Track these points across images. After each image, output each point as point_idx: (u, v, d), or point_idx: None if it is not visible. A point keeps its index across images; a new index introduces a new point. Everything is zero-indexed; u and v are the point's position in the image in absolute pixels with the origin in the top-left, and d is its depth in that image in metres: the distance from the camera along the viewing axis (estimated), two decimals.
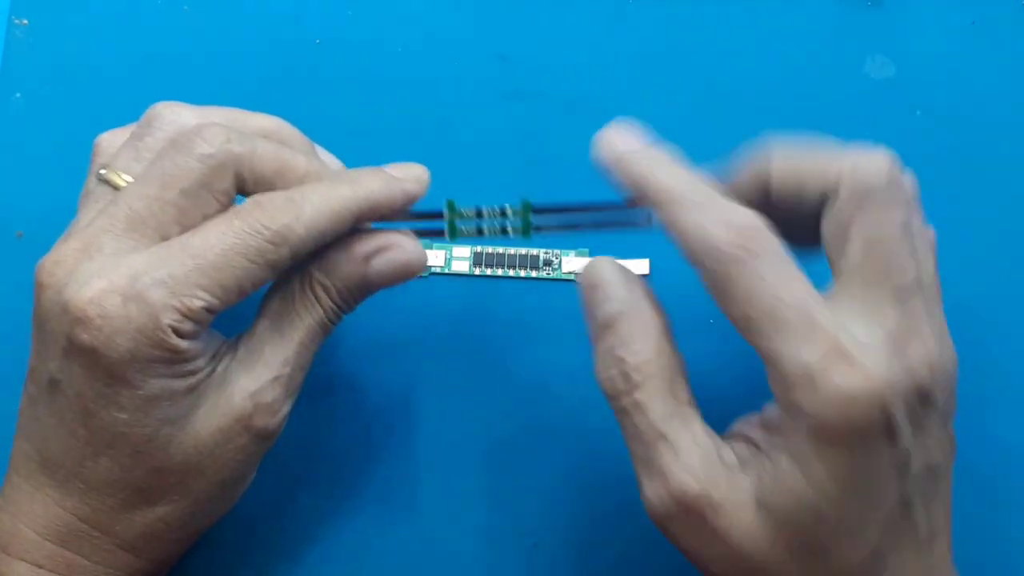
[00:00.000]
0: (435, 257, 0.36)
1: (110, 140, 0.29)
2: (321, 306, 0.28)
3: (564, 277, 0.35)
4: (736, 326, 0.24)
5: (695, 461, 0.24)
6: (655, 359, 0.25)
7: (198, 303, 0.25)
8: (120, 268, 0.25)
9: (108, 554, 0.27)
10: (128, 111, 0.30)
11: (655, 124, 0.37)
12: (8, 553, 0.26)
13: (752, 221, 0.24)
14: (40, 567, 0.26)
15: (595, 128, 0.38)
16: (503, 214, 0.29)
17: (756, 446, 0.25)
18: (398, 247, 0.28)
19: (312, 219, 0.26)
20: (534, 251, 0.35)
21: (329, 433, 0.34)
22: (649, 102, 0.38)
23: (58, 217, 0.29)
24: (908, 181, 0.26)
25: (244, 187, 0.27)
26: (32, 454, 0.27)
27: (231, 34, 0.38)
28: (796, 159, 0.27)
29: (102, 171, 0.28)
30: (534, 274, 0.35)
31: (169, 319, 0.25)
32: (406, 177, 0.29)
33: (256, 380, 0.27)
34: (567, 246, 0.35)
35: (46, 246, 0.29)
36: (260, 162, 0.27)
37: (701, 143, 0.37)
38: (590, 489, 0.33)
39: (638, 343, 0.26)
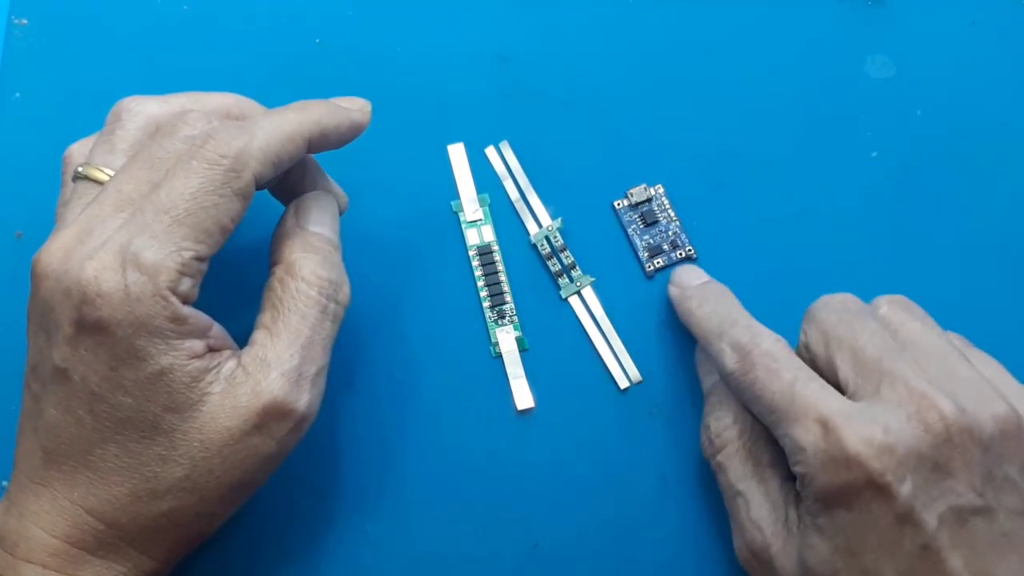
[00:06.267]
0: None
1: (79, 150, 0.30)
2: (300, 296, 0.28)
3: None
4: (762, 421, 0.29)
5: (764, 516, 0.29)
6: (733, 426, 0.30)
7: (187, 254, 0.26)
8: (109, 244, 0.25)
9: (114, 549, 0.27)
10: None
11: (655, 124, 0.37)
12: (15, 555, 0.26)
13: (758, 343, 0.29)
14: (46, 567, 0.26)
15: (595, 128, 0.38)
16: None
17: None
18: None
19: (265, 141, 0.27)
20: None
21: (329, 433, 0.34)
22: (649, 102, 0.38)
23: None
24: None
25: None
26: (38, 450, 0.27)
27: (231, 34, 0.38)
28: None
29: (80, 168, 0.28)
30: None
31: (166, 280, 0.25)
32: (351, 107, 0.30)
33: (260, 380, 0.27)
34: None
35: None
36: None
37: (701, 143, 0.37)
38: (590, 489, 0.33)
39: (722, 412, 0.31)
